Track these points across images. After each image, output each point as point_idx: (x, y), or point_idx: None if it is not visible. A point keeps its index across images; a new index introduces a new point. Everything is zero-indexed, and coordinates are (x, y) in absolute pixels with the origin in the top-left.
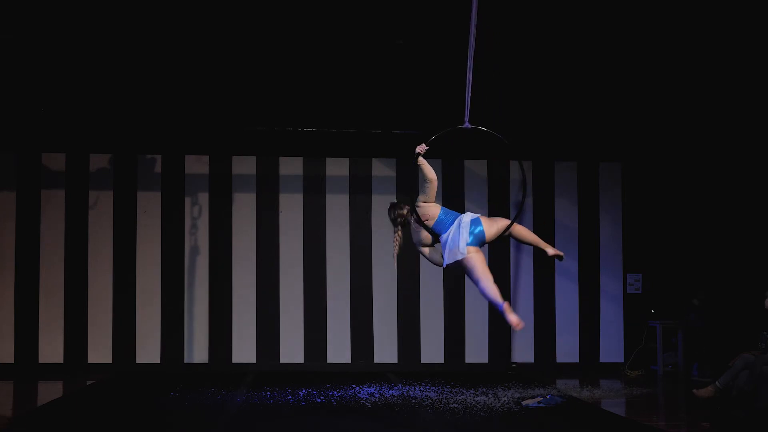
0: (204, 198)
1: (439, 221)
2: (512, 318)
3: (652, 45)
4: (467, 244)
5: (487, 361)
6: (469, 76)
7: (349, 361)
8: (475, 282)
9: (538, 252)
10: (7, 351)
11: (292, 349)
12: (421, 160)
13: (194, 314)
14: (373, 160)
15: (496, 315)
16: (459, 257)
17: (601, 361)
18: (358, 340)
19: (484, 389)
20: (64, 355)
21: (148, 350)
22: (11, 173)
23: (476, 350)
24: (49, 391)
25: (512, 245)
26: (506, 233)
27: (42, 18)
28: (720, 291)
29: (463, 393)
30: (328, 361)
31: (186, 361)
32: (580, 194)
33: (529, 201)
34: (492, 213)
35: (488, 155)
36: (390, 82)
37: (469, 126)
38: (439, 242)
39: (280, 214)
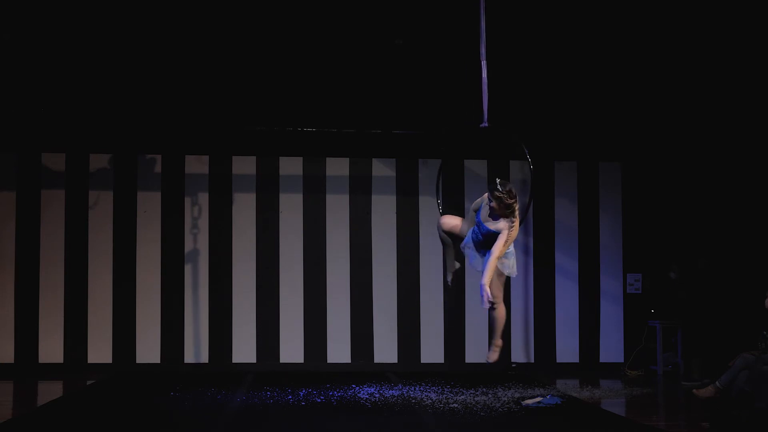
0: (204, 198)
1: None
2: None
3: (652, 45)
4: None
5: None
6: (484, 75)
7: (349, 361)
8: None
9: (539, 252)
10: (7, 351)
11: (292, 349)
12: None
13: (194, 314)
14: (373, 160)
15: None
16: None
17: (601, 361)
18: (358, 340)
19: (484, 389)
20: (64, 355)
21: (148, 350)
22: (11, 173)
23: (476, 350)
24: (49, 391)
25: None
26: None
27: (42, 18)
28: (720, 290)
29: (463, 393)
30: (328, 361)
31: (186, 361)
32: (580, 194)
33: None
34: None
35: (488, 155)
36: (390, 82)
37: (488, 125)
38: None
39: (280, 214)
